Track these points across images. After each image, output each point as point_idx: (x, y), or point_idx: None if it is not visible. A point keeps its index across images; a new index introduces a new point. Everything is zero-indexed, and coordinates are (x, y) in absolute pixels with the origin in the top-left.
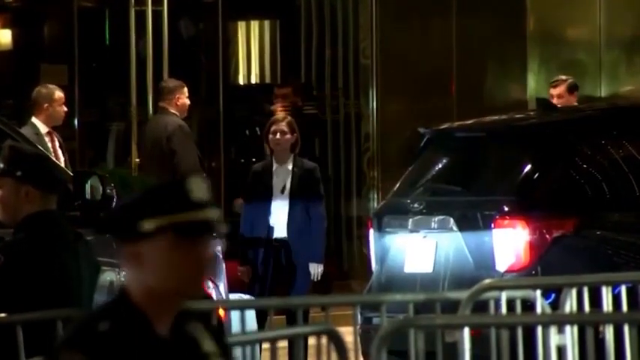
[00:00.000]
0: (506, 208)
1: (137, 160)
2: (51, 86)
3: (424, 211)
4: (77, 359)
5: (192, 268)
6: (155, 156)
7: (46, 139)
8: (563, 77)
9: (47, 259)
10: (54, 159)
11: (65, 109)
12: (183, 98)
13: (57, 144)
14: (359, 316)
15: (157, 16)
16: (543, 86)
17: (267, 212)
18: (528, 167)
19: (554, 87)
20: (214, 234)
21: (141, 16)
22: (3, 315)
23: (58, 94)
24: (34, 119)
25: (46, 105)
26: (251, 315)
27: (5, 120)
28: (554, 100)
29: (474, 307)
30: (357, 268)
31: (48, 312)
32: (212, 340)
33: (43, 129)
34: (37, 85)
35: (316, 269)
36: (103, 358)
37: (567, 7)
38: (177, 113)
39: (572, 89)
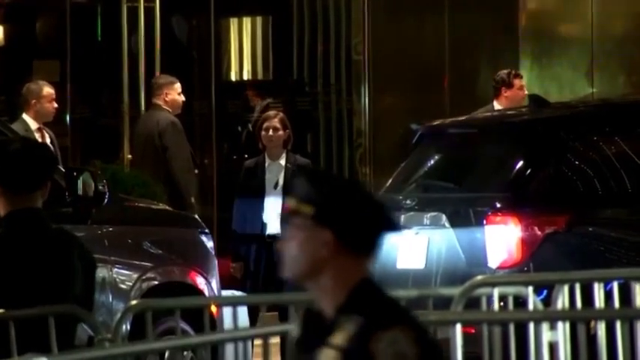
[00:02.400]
0: (498, 205)
1: (129, 156)
2: (41, 82)
3: (416, 207)
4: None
5: None
6: (147, 152)
7: (36, 135)
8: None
9: (18, 255)
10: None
11: (55, 105)
12: (173, 94)
13: (48, 140)
14: None
15: (149, 12)
16: (536, 82)
17: (260, 208)
18: (521, 163)
19: (521, 78)
20: (292, 221)
21: (133, 13)
22: None
23: (47, 90)
24: (24, 115)
25: (34, 101)
26: (243, 311)
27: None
28: (526, 91)
29: (466, 304)
30: None
31: (41, 308)
32: (346, 339)
33: (33, 125)
34: (29, 81)
35: None
36: None
37: (559, 2)
38: (168, 109)
39: None
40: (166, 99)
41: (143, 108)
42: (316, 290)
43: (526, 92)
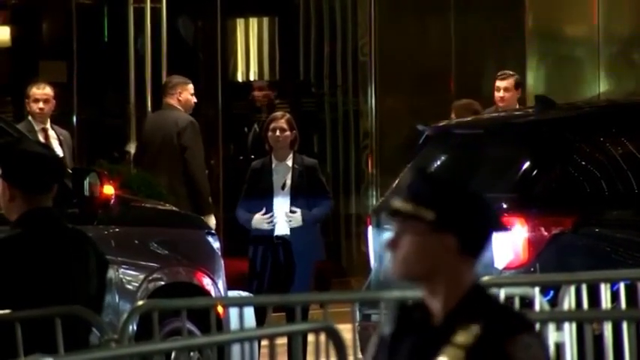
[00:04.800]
0: (504, 206)
1: (132, 155)
2: (35, 83)
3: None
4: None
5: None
6: (164, 151)
7: (40, 136)
8: (510, 72)
9: (38, 255)
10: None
11: (40, 105)
12: (186, 94)
13: (56, 142)
14: (358, 313)
15: (156, 13)
16: (542, 84)
17: (268, 210)
18: (527, 164)
19: (502, 79)
20: (406, 224)
21: (139, 14)
22: (2, 312)
23: (34, 90)
24: (29, 116)
25: (26, 101)
26: (250, 312)
27: (4, 117)
28: (502, 93)
29: None
30: (356, 265)
31: (47, 309)
32: (472, 339)
33: (37, 126)
34: (35, 81)
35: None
36: None
37: (566, 4)
38: (181, 109)
39: (517, 85)
40: (180, 98)
41: (149, 109)
42: (427, 292)
43: (501, 94)
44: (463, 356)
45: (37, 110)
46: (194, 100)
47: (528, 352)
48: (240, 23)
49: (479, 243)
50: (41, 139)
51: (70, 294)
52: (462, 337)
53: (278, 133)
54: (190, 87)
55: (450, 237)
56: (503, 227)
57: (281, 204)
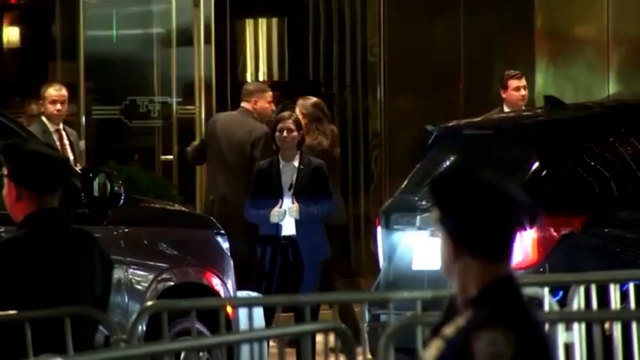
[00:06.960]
0: None
1: (170, 156)
2: (50, 84)
3: (432, 208)
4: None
5: None
6: (231, 156)
7: (55, 137)
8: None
9: (44, 255)
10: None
11: (58, 107)
12: (263, 103)
13: (66, 142)
14: (367, 314)
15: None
16: (551, 84)
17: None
18: (536, 165)
19: (519, 78)
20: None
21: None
22: (12, 312)
23: (50, 91)
24: (42, 117)
25: (40, 102)
26: (259, 312)
27: (13, 117)
28: (523, 92)
29: None
30: (365, 265)
31: (57, 309)
32: (455, 331)
33: (52, 127)
34: (45, 82)
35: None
36: None
37: (575, 4)
38: (256, 116)
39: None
40: (255, 107)
41: (158, 108)
42: (454, 286)
43: (523, 93)
44: (443, 347)
45: (55, 112)
46: (272, 108)
47: (491, 348)
48: (249, 23)
49: (482, 243)
50: (56, 140)
51: (76, 294)
52: (449, 329)
53: (285, 133)
54: (268, 95)
55: (449, 236)
56: (517, 227)
57: (288, 205)
